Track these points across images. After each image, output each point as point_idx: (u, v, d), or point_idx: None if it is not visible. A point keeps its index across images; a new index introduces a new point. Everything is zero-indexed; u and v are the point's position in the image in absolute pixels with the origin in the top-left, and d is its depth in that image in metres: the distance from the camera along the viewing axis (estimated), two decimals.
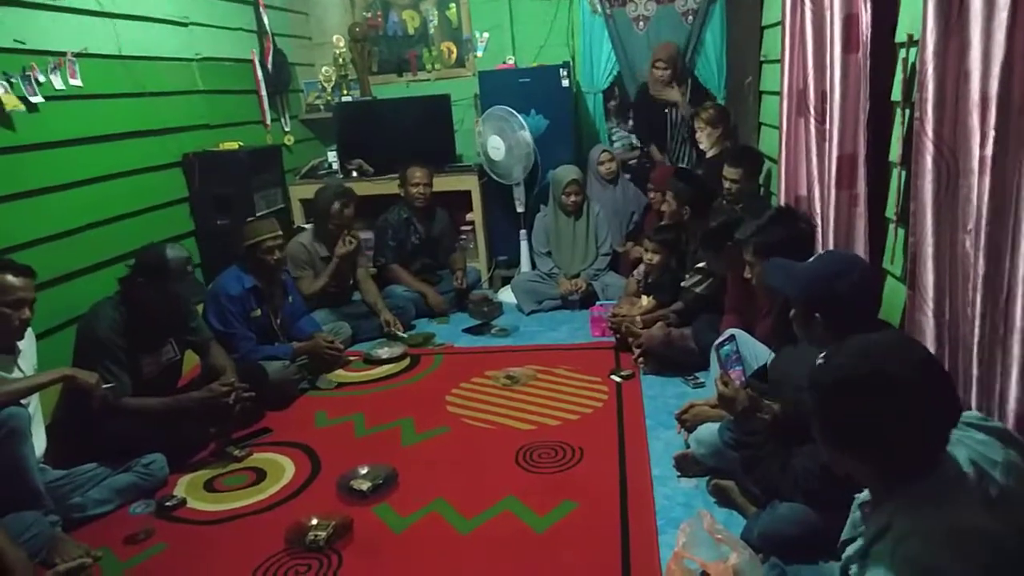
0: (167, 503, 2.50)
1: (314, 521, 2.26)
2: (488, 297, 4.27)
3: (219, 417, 2.85)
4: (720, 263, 3.00)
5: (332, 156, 5.04)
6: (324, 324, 3.74)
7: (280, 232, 3.42)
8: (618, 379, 3.26)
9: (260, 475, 2.69)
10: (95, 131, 3.15)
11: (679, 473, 2.45)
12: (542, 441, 2.76)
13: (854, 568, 1.21)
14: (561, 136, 4.69)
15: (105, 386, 2.40)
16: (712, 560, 1.79)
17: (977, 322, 1.63)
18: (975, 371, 1.66)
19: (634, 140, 5.28)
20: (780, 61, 3.08)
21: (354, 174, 4.81)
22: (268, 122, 4.61)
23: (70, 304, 2.87)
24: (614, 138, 5.29)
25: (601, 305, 4.00)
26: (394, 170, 4.42)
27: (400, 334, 3.94)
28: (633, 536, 2.14)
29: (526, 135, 4.52)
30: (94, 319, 2.63)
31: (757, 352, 2.51)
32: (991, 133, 1.56)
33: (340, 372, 3.60)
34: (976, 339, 1.63)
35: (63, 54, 2.96)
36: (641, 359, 3.36)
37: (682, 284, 3.42)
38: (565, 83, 4.69)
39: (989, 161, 1.57)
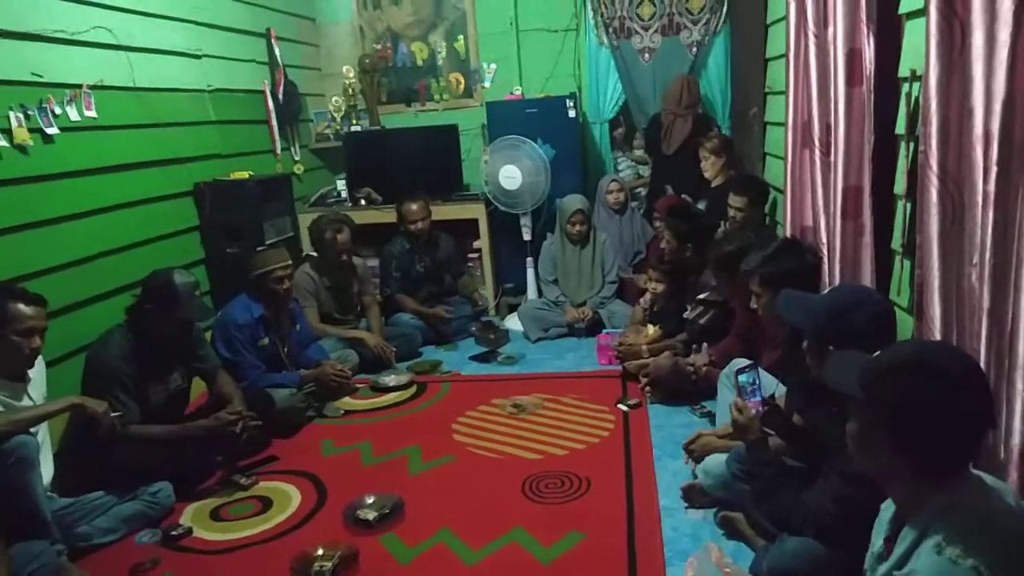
0: (173, 532, 2.49)
1: (320, 551, 2.25)
2: (495, 324, 4.27)
3: (226, 445, 2.85)
4: (733, 287, 2.99)
5: (341, 184, 5.09)
6: (331, 352, 3.75)
7: (289, 262, 3.45)
8: (625, 408, 3.26)
9: (266, 504, 2.68)
10: (109, 161, 3.20)
11: (687, 504, 2.43)
12: (549, 471, 2.75)
13: None
14: (568, 165, 4.73)
15: (113, 414, 2.41)
16: None
17: (983, 356, 1.63)
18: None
19: (640, 170, 5.33)
20: (785, 93, 3.11)
21: (362, 202, 4.86)
22: (278, 151, 4.66)
23: (80, 332, 2.89)
24: (620, 167, 5.34)
25: (607, 333, 4.00)
26: (414, 192, 4.45)
27: (393, 363, 3.93)
28: (640, 569, 2.13)
29: (541, 160, 4.56)
30: (103, 347, 2.65)
31: (766, 383, 2.51)
32: (994, 168, 1.57)
33: (347, 400, 3.60)
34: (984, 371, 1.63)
35: (79, 86, 3.02)
36: (648, 388, 3.35)
37: (685, 316, 3.42)
38: (572, 113, 4.75)
39: (992, 196, 1.58)
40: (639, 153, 5.34)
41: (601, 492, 2.58)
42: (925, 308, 1.95)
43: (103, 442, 2.42)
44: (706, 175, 4.37)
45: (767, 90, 4.02)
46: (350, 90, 5.30)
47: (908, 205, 2.21)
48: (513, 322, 4.56)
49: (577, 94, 5.05)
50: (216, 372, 3.05)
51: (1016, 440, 1.52)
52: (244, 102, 4.36)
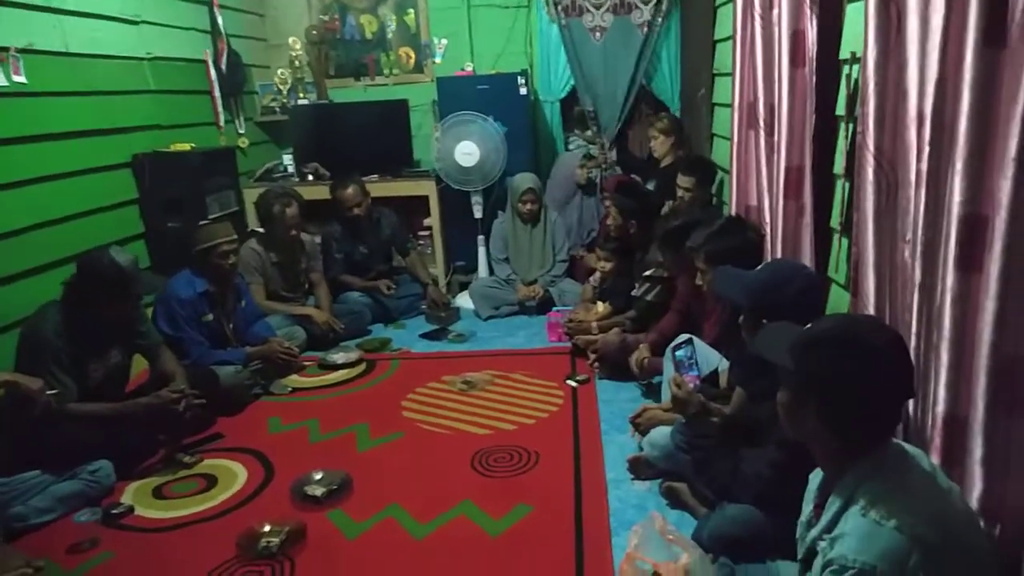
0: (114, 511, 2.44)
1: (267, 528, 2.23)
2: (445, 302, 4.27)
3: (168, 423, 2.79)
4: (678, 264, 3.04)
5: (288, 159, 4.99)
6: (279, 329, 3.70)
7: (235, 236, 3.37)
8: (574, 384, 3.30)
9: (211, 482, 2.64)
10: (40, 129, 3.06)
11: (632, 476, 2.49)
12: (498, 446, 2.78)
13: (823, 543, 1.26)
14: (518, 143, 4.72)
15: (49, 392, 2.34)
16: (664, 560, 1.83)
17: (913, 328, 1.71)
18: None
19: (591, 150, 5.35)
20: (732, 74, 3.16)
21: (310, 178, 4.77)
22: (222, 124, 4.53)
23: (13, 307, 2.78)
24: (571, 147, 5.35)
25: (558, 311, 4.04)
26: (351, 173, 4.38)
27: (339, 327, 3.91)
28: (587, 538, 2.17)
29: (498, 136, 4.54)
30: (38, 323, 2.56)
31: (707, 356, 2.58)
32: (926, 148, 1.63)
33: (295, 377, 3.56)
34: (912, 345, 1.70)
35: (6, 49, 2.87)
36: (596, 364, 3.40)
37: (632, 294, 3.47)
38: (523, 91, 4.73)
39: (924, 174, 1.64)
40: (590, 133, 5.37)
41: (549, 465, 2.62)
42: (860, 284, 2.02)
43: (38, 420, 2.34)
44: (655, 155, 4.43)
45: (715, 71, 4.08)
46: (297, 62, 5.17)
47: (846, 184, 2.28)
48: (464, 300, 4.56)
49: (529, 71, 5.04)
50: (158, 349, 2.97)
51: (941, 408, 1.59)
52: (185, 72, 4.22)
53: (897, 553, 1.13)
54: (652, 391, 3.13)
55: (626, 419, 2.70)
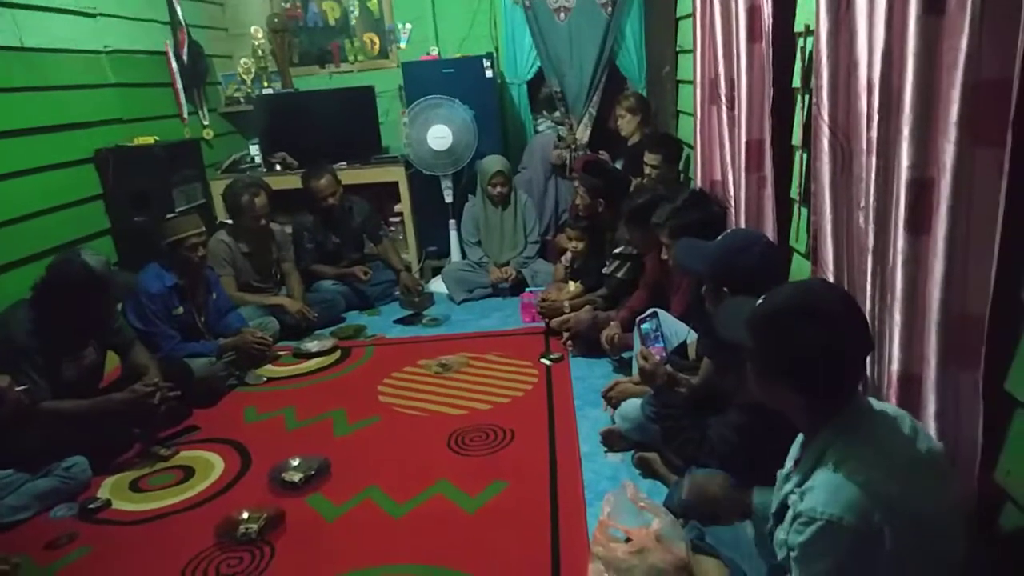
0: (90, 505, 2.44)
1: (245, 515, 2.25)
2: (419, 288, 4.28)
3: (143, 418, 2.79)
4: (645, 240, 3.08)
5: (254, 150, 4.95)
6: (251, 319, 3.69)
7: (203, 229, 3.36)
8: (548, 362, 3.34)
9: (188, 473, 2.65)
10: None
11: (606, 449, 2.54)
12: (474, 425, 2.81)
13: (795, 497, 1.31)
14: (487, 127, 4.72)
15: (18, 388, 2.32)
16: (636, 527, 1.87)
17: (868, 291, 1.76)
18: None
19: (560, 131, 5.36)
20: (693, 51, 3.20)
21: (278, 167, 4.74)
22: (185, 116, 4.48)
23: None
24: (540, 129, 5.36)
25: (531, 292, 4.07)
26: (320, 162, 4.36)
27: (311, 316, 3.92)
28: (562, 510, 2.22)
29: (469, 118, 4.54)
30: (7, 322, 2.53)
31: (676, 329, 2.63)
32: (876, 116, 1.68)
33: (269, 367, 3.56)
34: (868, 307, 1.75)
35: None
36: (570, 342, 3.44)
37: (603, 272, 3.51)
38: (489, 74, 4.73)
39: (875, 142, 1.69)
40: (558, 114, 5.38)
41: (525, 442, 2.65)
42: (819, 252, 2.07)
43: (9, 419, 2.32)
44: (622, 133, 4.46)
45: (678, 48, 4.11)
46: (259, 51, 5.12)
47: (804, 155, 2.33)
48: (437, 285, 4.57)
49: (494, 54, 5.03)
50: (130, 344, 2.95)
51: (895, 367, 1.65)
52: (145, 64, 4.16)
53: (863, 507, 1.18)
54: (624, 366, 3.18)
55: (599, 394, 2.74)
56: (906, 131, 1.54)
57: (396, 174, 4.73)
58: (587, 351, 3.37)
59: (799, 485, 1.32)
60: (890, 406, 1.41)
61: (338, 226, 4.35)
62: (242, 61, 5.13)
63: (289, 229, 4.28)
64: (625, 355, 3.25)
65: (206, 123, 4.77)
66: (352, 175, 4.62)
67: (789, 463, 1.49)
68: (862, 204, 1.79)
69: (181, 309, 3.30)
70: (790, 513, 1.31)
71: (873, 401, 1.39)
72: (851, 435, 1.28)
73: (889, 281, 1.68)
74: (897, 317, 1.62)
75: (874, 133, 1.69)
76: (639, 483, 2.27)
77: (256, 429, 2.96)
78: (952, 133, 1.39)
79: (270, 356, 3.60)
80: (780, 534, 1.34)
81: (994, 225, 1.34)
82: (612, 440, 2.53)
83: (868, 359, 1.75)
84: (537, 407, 2.92)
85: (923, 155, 1.52)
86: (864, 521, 1.17)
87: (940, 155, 1.45)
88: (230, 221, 3.96)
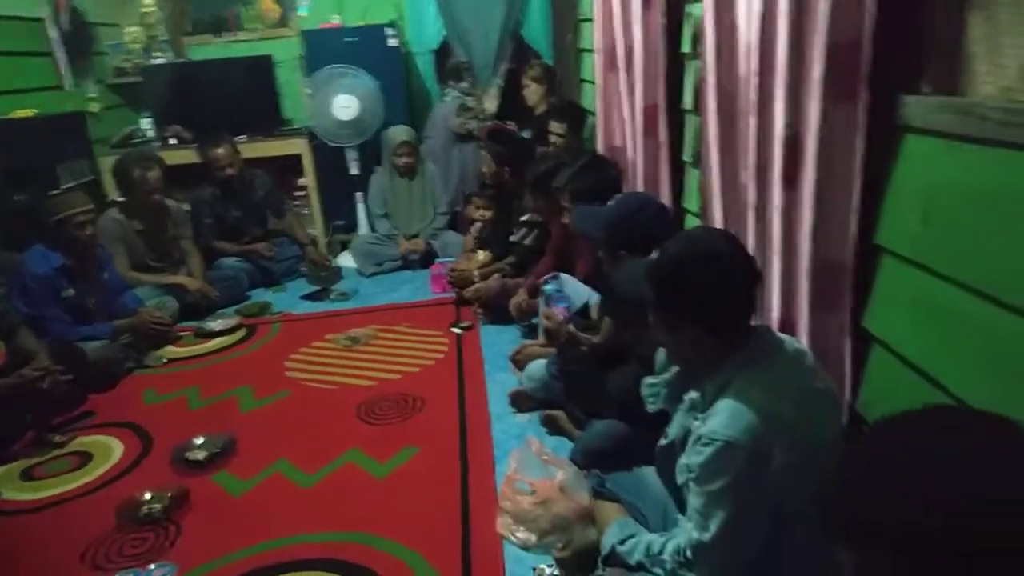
0: None
1: (147, 495, 2.19)
2: (325, 262, 4.21)
3: (34, 404, 2.66)
4: (548, 206, 3.13)
5: (147, 123, 4.71)
6: (148, 300, 3.55)
7: (92, 206, 3.21)
8: (458, 331, 3.37)
9: (85, 458, 2.55)
10: None
11: (514, 409, 2.60)
12: (384, 395, 2.82)
13: (697, 423, 1.39)
14: (392, 97, 4.64)
15: None
16: (541, 479, 1.94)
17: (752, 245, 1.86)
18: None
19: (468, 101, 5.34)
20: (593, 20, 3.25)
21: (172, 141, 4.53)
22: (67, 87, 4.22)
23: None
24: (447, 99, 5.32)
25: (441, 263, 4.07)
26: (217, 134, 4.20)
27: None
28: (472, 470, 2.26)
29: (374, 87, 4.46)
30: None
31: (580, 291, 2.69)
32: (754, 78, 1.77)
33: (170, 348, 3.44)
34: None
35: None
36: (480, 310, 3.48)
37: (511, 239, 3.55)
38: (392, 43, 4.65)
39: (755, 103, 1.78)
40: (465, 84, 5.35)
41: (435, 409, 2.68)
42: (709, 211, 2.17)
43: None
44: (529, 103, 4.48)
45: (580, 17, 4.15)
46: (149, 19, 4.85)
47: (695, 119, 2.42)
48: (346, 259, 4.51)
49: (399, 23, 4.95)
50: (16, 329, 2.78)
51: (775, 314, 1.77)
52: (20, 31, 3.87)
53: (757, 430, 1.27)
54: (533, 332, 3.23)
55: (508, 359, 2.79)
56: (780, 91, 1.63)
57: (299, 146, 4.61)
58: (497, 318, 3.41)
59: (702, 411, 1.40)
60: (795, 343, 1.51)
61: (239, 199, 4.22)
62: (130, 29, 4.85)
63: (187, 206, 4.12)
64: (534, 321, 3.30)
65: (92, 95, 4.50)
66: (253, 148, 4.47)
67: (689, 396, 1.57)
68: (745, 163, 1.89)
69: (71, 291, 3.14)
70: (692, 436, 1.39)
71: (783, 337, 1.49)
72: (753, 368, 1.37)
73: (769, 234, 1.78)
74: (776, 266, 1.73)
75: (753, 95, 1.78)
76: (546, 440, 2.33)
77: (157, 411, 2.87)
78: (816, 91, 1.48)
79: (170, 336, 3.48)
80: (683, 459, 1.42)
81: (853, 176, 1.44)
82: (520, 401, 2.59)
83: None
84: (447, 375, 2.95)
85: (794, 114, 1.61)
86: (757, 441, 1.27)
87: (806, 112, 1.54)
88: (122, 199, 3.78)
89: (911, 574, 0.68)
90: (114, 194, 4.01)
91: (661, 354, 1.67)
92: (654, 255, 1.50)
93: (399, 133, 4.37)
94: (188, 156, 4.29)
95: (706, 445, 1.31)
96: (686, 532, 1.40)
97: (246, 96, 4.66)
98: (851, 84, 1.39)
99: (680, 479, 1.43)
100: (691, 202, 2.48)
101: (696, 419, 1.43)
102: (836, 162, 1.48)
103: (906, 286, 1.38)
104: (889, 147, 1.39)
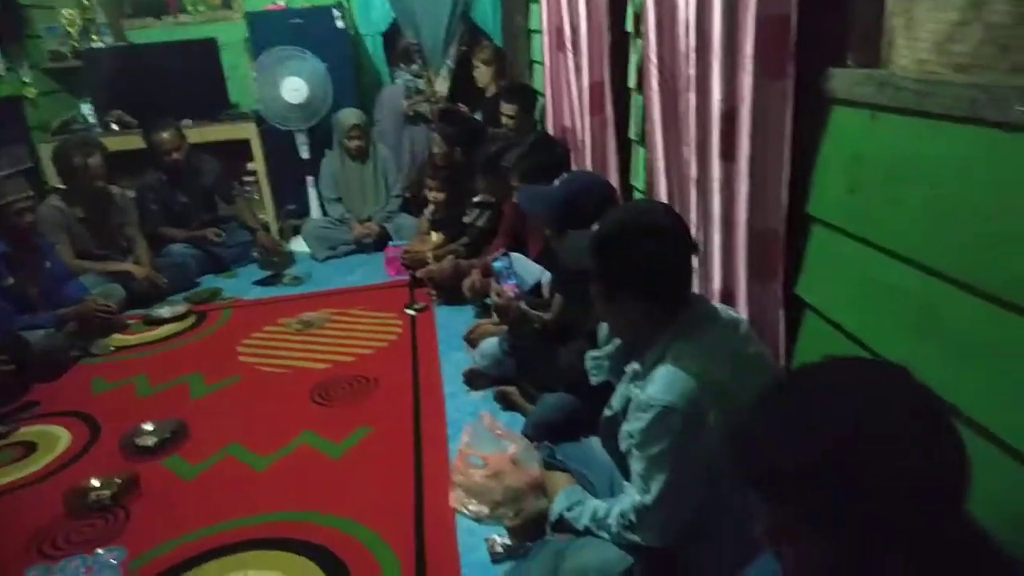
0: None
1: (95, 482, 2.16)
2: (277, 247, 4.16)
3: None
4: (499, 187, 3.15)
5: (87, 109, 4.58)
6: (94, 288, 3.47)
7: (30, 193, 3.13)
8: (412, 312, 3.37)
9: (30, 448, 2.50)
10: None
11: (468, 387, 2.62)
12: (337, 377, 2.82)
13: (637, 390, 1.43)
14: (341, 80, 4.59)
15: None
16: (492, 452, 1.97)
17: (695, 220, 1.91)
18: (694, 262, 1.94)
19: (419, 84, 5.31)
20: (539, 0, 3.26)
21: (114, 127, 4.42)
22: (1, 72, 4.07)
23: None
24: (398, 82, 5.27)
25: (395, 246, 4.06)
26: (162, 119, 4.10)
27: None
28: (425, 446, 2.29)
29: (322, 69, 4.40)
30: None
31: (531, 269, 2.73)
32: (692, 55, 1.80)
33: (118, 336, 3.37)
34: (694, 234, 1.90)
35: None
36: (434, 291, 3.49)
37: (464, 221, 3.56)
38: (340, 24, 4.59)
39: (694, 80, 1.82)
40: (416, 67, 5.31)
41: (389, 389, 2.69)
42: (654, 187, 2.21)
43: None
44: (479, 85, 4.48)
45: None
46: (86, 1, 4.70)
47: (640, 97, 2.45)
48: (299, 244, 4.47)
49: (346, 4, 4.88)
50: None
51: (716, 285, 1.82)
52: None
53: (694, 394, 1.32)
54: (487, 311, 3.25)
55: (462, 339, 2.81)
56: (716, 67, 1.67)
57: (247, 131, 4.54)
58: (451, 299, 3.43)
59: (643, 377, 1.45)
60: (729, 310, 1.57)
61: (185, 185, 4.14)
62: (65, 12, 4.69)
63: (132, 193, 4.02)
64: (487, 301, 3.32)
65: (27, 80, 4.35)
66: (199, 133, 4.39)
67: (629, 367, 1.61)
68: (687, 139, 1.93)
69: (11, 280, 3.07)
70: (632, 404, 1.43)
71: (717, 305, 1.54)
72: (689, 336, 1.41)
73: (710, 208, 1.83)
74: (716, 239, 1.78)
75: (692, 71, 1.82)
76: (499, 416, 2.36)
77: (105, 399, 2.82)
78: (748, 66, 1.52)
79: (117, 324, 3.41)
80: (624, 426, 1.47)
81: (784, 148, 1.50)
82: (474, 379, 2.61)
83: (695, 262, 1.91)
84: (401, 355, 2.96)
85: (730, 89, 1.65)
86: (694, 406, 1.32)
87: (740, 87, 1.59)
88: (63, 186, 3.68)
89: (815, 518, 0.74)
90: (55, 181, 3.91)
91: (603, 328, 1.71)
92: (595, 227, 1.53)
93: (349, 116, 4.33)
94: (132, 142, 4.18)
95: (645, 411, 1.35)
96: (630, 497, 1.45)
97: (191, 80, 4.56)
98: (780, 58, 1.44)
99: (623, 446, 1.48)
100: (638, 179, 2.53)
101: (637, 387, 1.47)
102: (768, 135, 1.52)
103: (835, 253, 1.44)
104: (818, 119, 1.45)
